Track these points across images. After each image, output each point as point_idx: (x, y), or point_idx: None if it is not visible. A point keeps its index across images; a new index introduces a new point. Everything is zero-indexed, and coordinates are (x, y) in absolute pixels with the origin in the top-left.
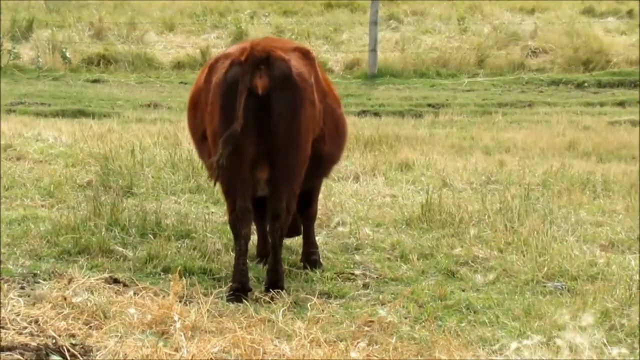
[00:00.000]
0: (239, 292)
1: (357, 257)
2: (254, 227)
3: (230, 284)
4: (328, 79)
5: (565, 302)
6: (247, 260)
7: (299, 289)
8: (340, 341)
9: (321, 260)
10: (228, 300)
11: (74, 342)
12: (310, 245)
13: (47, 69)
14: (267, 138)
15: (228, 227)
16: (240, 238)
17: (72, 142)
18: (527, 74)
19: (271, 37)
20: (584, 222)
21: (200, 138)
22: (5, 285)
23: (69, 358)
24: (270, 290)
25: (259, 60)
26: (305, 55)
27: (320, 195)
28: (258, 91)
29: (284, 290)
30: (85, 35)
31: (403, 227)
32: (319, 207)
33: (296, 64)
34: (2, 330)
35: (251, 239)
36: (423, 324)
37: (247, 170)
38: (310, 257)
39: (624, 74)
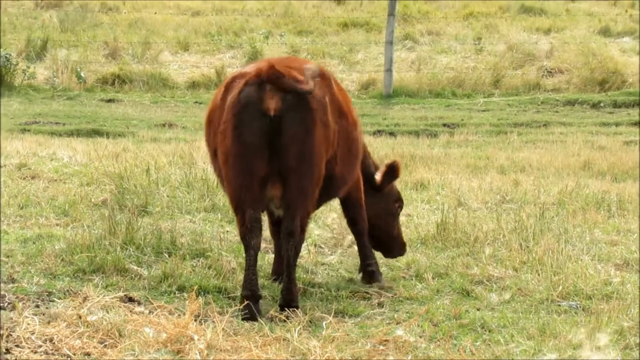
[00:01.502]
0: (249, 299)
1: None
2: (270, 244)
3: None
4: (348, 99)
5: (580, 321)
6: (257, 271)
7: (314, 308)
8: None
9: (379, 272)
10: (242, 316)
11: None
12: (366, 258)
13: (62, 88)
14: (280, 158)
15: (242, 247)
16: (249, 249)
17: (87, 161)
18: (543, 94)
19: (289, 56)
20: (599, 241)
21: (213, 154)
22: (20, 303)
23: None
24: (285, 309)
25: (273, 81)
26: (321, 75)
27: (335, 215)
28: (270, 113)
29: (299, 309)
30: (100, 54)
31: (418, 246)
32: (335, 226)
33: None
34: (17, 349)
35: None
36: (438, 343)
37: (257, 188)
38: (367, 269)
39: None
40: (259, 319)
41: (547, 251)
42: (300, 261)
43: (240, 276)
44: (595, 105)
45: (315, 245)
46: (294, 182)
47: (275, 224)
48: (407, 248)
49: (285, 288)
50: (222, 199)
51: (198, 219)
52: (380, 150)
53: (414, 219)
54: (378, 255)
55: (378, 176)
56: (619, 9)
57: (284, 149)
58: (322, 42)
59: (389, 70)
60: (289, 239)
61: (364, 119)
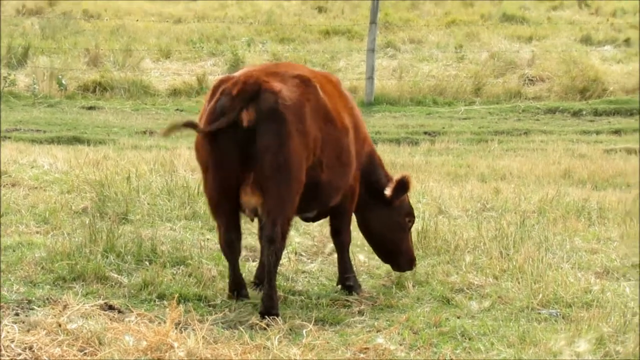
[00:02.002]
0: (235, 295)
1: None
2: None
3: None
4: (342, 106)
5: (560, 329)
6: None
7: (295, 316)
8: None
9: (358, 285)
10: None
11: None
12: (345, 271)
13: (43, 95)
14: (256, 167)
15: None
16: (228, 260)
17: (68, 168)
18: (524, 102)
19: (285, 63)
20: (579, 249)
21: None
22: (0, 311)
23: None
24: (265, 316)
25: (249, 92)
26: (305, 82)
27: (316, 222)
28: (244, 124)
29: (279, 317)
30: (81, 62)
31: None
32: (316, 233)
33: (288, 94)
34: None
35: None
36: (418, 350)
37: (234, 197)
38: (345, 283)
39: (620, 102)
40: (239, 327)
41: (527, 259)
42: (280, 269)
43: (220, 284)
44: (576, 114)
45: (295, 253)
46: (272, 190)
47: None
48: None
49: (265, 295)
50: (203, 206)
51: (179, 226)
52: None
53: None
54: (363, 264)
55: (388, 191)
56: (600, 18)
57: (259, 158)
58: (304, 49)
59: (370, 78)
60: (269, 245)
61: None
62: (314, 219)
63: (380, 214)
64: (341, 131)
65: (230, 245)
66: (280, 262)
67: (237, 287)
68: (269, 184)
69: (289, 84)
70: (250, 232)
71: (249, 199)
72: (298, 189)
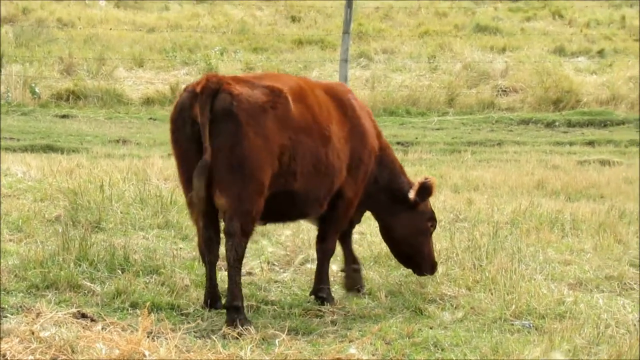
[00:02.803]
0: (208, 306)
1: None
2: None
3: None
4: (330, 119)
5: (533, 340)
6: (216, 282)
7: (267, 325)
8: None
9: (331, 297)
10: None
11: None
12: (320, 282)
13: (16, 104)
14: (214, 168)
15: (196, 263)
16: (205, 263)
17: (41, 177)
18: (497, 113)
19: (277, 74)
20: (552, 260)
21: None
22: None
23: None
24: (228, 310)
25: (207, 91)
26: (274, 92)
27: (289, 232)
28: (198, 120)
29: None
30: (55, 70)
31: (371, 264)
32: (289, 243)
33: (248, 98)
34: None
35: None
36: None
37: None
38: (318, 294)
39: (594, 114)
40: (212, 336)
41: (500, 270)
42: (253, 279)
43: (193, 293)
44: (549, 125)
45: (268, 263)
46: (228, 189)
47: None
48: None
49: (228, 289)
50: (176, 215)
51: (151, 235)
52: None
53: (367, 237)
54: (335, 275)
55: (412, 194)
56: (574, 29)
57: (214, 156)
58: (277, 59)
59: None
60: (228, 239)
61: None
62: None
63: (404, 219)
64: (319, 142)
65: (209, 244)
66: (253, 271)
67: (211, 298)
68: (224, 182)
69: (255, 91)
70: (222, 242)
71: (218, 200)
72: (258, 192)
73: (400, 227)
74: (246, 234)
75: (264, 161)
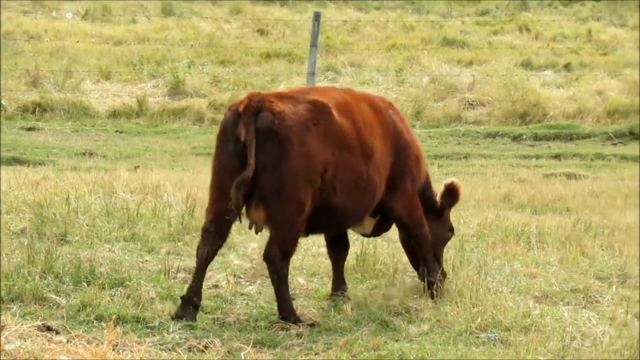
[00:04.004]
0: (185, 303)
1: None
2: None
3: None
4: (367, 132)
5: (499, 353)
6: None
7: (233, 338)
8: None
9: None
10: (176, 314)
11: None
12: (431, 270)
13: None
14: (257, 185)
15: (162, 276)
16: (197, 256)
17: (7, 189)
18: (464, 126)
19: (332, 87)
20: (518, 273)
21: None
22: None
23: None
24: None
25: (249, 110)
26: (318, 107)
27: (255, 245)
28: (241, 138)
29: (218, 339)
30: (21, 82)
31: None
32: (255, 256)
33: (291, 116)
34: None
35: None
36: None
37: (226, 205)
38: (428, 280)
39: (560, 127)
40: (177, 349)
41: (466, 283)
42: (219, 291)
43: (159, 306)
44: (516, 138)
45: (234, 276)
46: (271, 210)
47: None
48: (327, 279)
49: (278, 306)
50: (142, 228)
51: (117, 248)
52: None
53: None
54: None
55: (438, 198)
56: (540, 43)
57: (257, 176)
58: (244, 72)
59: None
60: (268, 265)
61: None
62: (370, 235)
63: (431, 227)
64: (360, 158)
65: (205, 236)
66: (219, 284)
67: (189, 298)
68: (267, 203)
69: (298, 107)
70: (188, 254)
71: (254, 213)
72: (298, 211)
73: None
74: (287, 255)
75: (305, 180)
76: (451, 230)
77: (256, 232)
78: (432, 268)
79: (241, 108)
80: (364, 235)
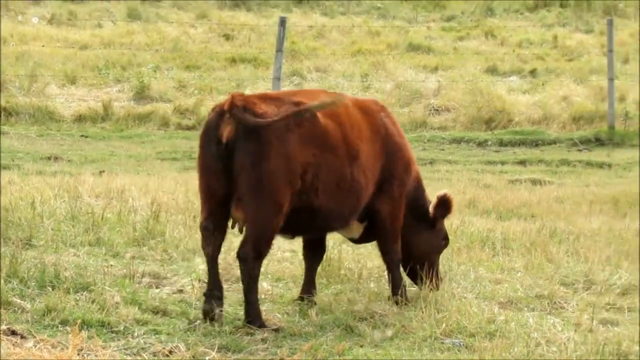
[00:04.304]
0: (208, 298)
1: None
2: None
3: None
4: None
5: (463, 358)
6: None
7: (198, 343)
8: None
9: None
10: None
11: None
12: (395, 287)
13: None
14: (236, 184)
15: (127, 281)
16: (205, 255)
17: None
18: (429, 132)
19: (317, 90)
20: (483, 279)
21: None
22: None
23: None
24: (248, 325)
25: (232, 110)
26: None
27: (223, 249)
28: (222, 139)
29: (183, 343)
30: None
31: (301, 282)
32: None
33: (273, 116)
34: None
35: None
36: None
37: (214, 204)
38: (394, 297)
39: (526, 133)
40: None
41: (431, 288)
42: (184, 296)
43: (123, 310)
44: (481, 144)
45: (199, 280)
46: (247, 210)
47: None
48: (292, 284)
49: (245, 309)
50: (107, 232)
51: (82, 252)
52: None
53: (298, 254)
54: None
55: (431, 209)
56: (506, 49)
57: (236, 175)
58: (209, 77)
59: None
60: (241, 264)
61: None
62: (359, 241)
63: (424, 237)
64: (345, 160)
65: (205, 234)
66: (183, 289)
67: (211, 291)
68: (245, 202)
69: (282, 109)
70: (153, 259)
71: (234, 212)
72: (275, 212)
73: (420, 244)
74: (260, 255)
75: (283, 181)
76: (446, 239)
77: (240, 231)
78: (398, 282)
79: (226, 107)
80: (352, 240)
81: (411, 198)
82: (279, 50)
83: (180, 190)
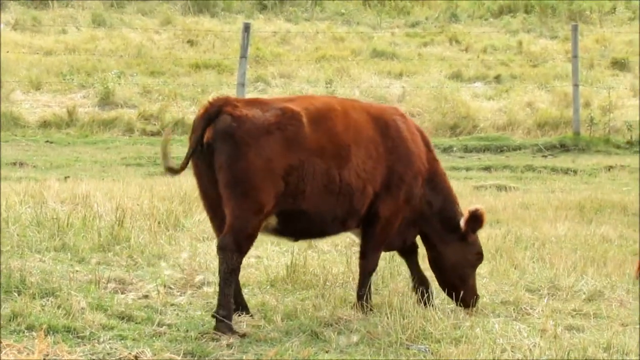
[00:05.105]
0: (223, 319)
1: None
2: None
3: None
4: (349, 140)
5: None
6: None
7: (164, 349)
8: None
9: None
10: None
11: None
12: (359, 297)
13: None
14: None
15: (92, 286)
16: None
17: None
18: None
19: (315, 96)
20: None
21: None
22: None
23: None
24: (216, 320)
25: (211, 112)
26: (287, 113)
27: (186, 255)
28: (203, 140)
29: (149, 349)
30: None
31: (267, 287)
32: (185, 267)
33: (253, 120)
34: None
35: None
36: None
37: (216, 208)
38: (359, 301)
39: (490, 139)
40: None
41: (396, 294)
42: (149, 302)
43: (89, 316)
44: (446, 150)
45: (165, 286)
46: (227, 206)
47: None
48: (257, 289)
49: (218, 300)
50: (73, 238)
51: (48, 258)
52: None
53: (264, 260)
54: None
55: (462, 223)
56: (470, 55)
57: (216, 175)
58: (174, 83)
59: None
60: (220, 253)
61: None
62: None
63: (454, 249)
64: (332, 162)
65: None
66: (149, 295)
67: (236, 304)
68: (224, 199)
69: (267, 113)
70: (118, 265)
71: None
72: (253, 210)
73: (449, 255)
74: (240, 249)
75: (262, 181)
76: (479, 254)
77: None
78: (362, 290)
79: (201, 111)
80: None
81: (439, 206)
82: (243, 56)
83: (145, 195)
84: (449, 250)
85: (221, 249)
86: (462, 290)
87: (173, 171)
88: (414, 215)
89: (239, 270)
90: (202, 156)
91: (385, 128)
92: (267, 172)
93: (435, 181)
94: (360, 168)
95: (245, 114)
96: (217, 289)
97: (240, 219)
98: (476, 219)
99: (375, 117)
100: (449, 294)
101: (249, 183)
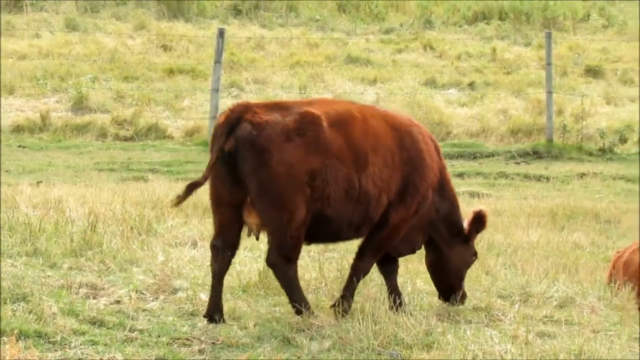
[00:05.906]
0: (209, 321)
1: (193, 323)
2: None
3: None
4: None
5: None
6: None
7: (135, 354)
8: None
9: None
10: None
11: None
12: (343, 297)
13: None
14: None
15: (64, 291)
16: (211, 271)
17: None
18: None
19: (342, 100)
20: (421, 291)
21: None
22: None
23: None
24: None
25: (231, 120)
26: (307, 118)
27: (159, 260)
28: (225, 148)
29: (120, 354)
30: None
31: (240, 293)
32: (158, 272)
33: (273, 125)
34: None
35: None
36: None
37: (224, 213)
38: (337, 306)
39: (464, 146)
40: None
41: (368, 300)
42: (121, 307)
43: (61, 321)
44: None
45: (137, 291)
46: (262, 216)
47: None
48: (230, 295)
49: (291, 304)
50: (44, 243)
51: (19, 263)
52: (204, 196)
53: (236, 266)
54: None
55: (466, 225)
56: (444, 61)
57: (244, 183)
58: (147, 88)
59: (214, 118)
60: (273, 270)
61: (188, 166)
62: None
63: (458, 251)
64: (352, 168)
65: (214, 251)
66: (121, 300)
67: (211, 315)
68: (257, 209)
69: (287, 118)
70: (90, 270)
71: (248, 218)
72: (287, 218)
73: (454, 259)
74: (289, 260)
75: (287, 188)
76: (475, 254)
77: (257, 238)
78: (348, 295)
79: (222, 119)
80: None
81: (446, 212)
82: (218, 61)
83: (118, 201)
84: (453, 254)
85: (272, 266)
86: (459, 290)
87: (197, 185)
88: (424, 222)
89: (297, 272)
90: (223, 162)
91: (402, 138)
92: (291, 178)
93: (444, 188)
94: (377, 176)
95: (265, 120)
96: (187, 295)
97: (277, 233)
98: (480, 220)
99: (393, 126)
100: (445, 295)
101: (275, 190)
